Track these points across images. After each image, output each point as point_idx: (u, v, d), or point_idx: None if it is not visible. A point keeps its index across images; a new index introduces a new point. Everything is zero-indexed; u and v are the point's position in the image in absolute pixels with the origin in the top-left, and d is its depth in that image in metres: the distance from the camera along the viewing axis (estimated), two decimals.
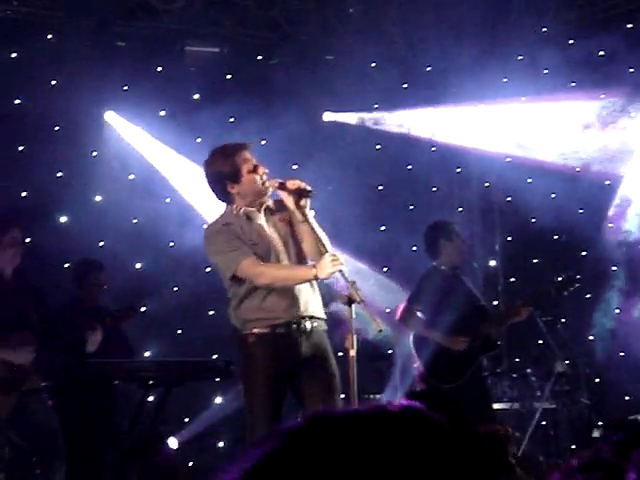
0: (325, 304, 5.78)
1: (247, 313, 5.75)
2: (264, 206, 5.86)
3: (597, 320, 10.12)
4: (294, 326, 5.71)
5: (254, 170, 5.75)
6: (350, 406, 5.17)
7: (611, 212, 10.25)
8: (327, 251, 5.55)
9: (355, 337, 5.22)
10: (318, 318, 5.79)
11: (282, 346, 5.69)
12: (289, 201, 5.65)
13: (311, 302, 5.77)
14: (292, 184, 5.63)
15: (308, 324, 5.73)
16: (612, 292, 10.14)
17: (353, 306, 5.21)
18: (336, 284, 5.83)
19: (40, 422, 7.02)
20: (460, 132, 10.56)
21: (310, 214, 5.66)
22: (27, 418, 6.93)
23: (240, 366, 5.90)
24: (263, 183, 5.77)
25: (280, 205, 5.80)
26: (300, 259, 5.83)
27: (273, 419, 5.64)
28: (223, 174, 5.77)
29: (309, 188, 5.61)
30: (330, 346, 5.84)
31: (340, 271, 5.42)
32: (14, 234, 7.15)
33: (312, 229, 5.64)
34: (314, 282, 5.79)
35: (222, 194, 5.86)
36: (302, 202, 5.60)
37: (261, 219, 5.85)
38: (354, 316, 5.23)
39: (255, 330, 5.72)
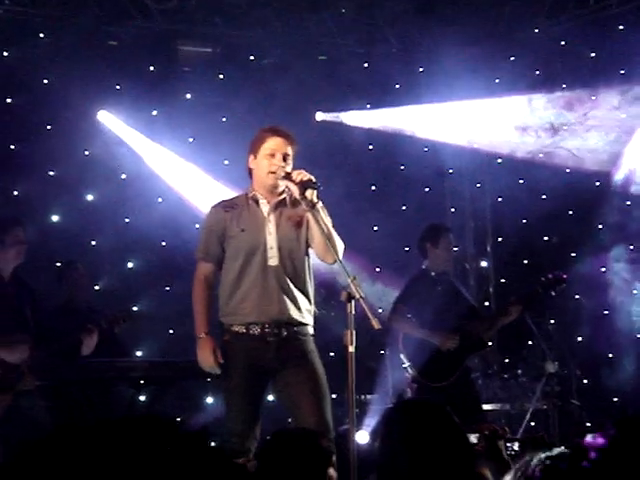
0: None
1: (225, 307, 5.81)
2: (277, 199, 5.88)
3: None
4: (267, 329, 5.72)
5: (270, 156, 5.80)
6: (348, 402, 5.21)
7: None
8: (337, 255, 5.60)
9: (354, 333, 5.23)
10: (298, 324, 5.81)
11: (256, 347, 5.70)
12: (295, 191, 5.68)
13: (291, 308, 5.75)
14: (297, 174, 5.65)
15: (284, 329, 5.74)
16: None
17: (352, 302, 5.21)
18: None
19: (33, 423, 7.02)
20: (451, 131, 10.57)
21: (318, 204, 5.65)
22: (20, 419, 6.94)
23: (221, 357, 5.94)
24: (270, 172, 5.82)
25: (297, 204, 5.82)
26: (294, 262, 5.82)
27: (246, 414, 5.67)
28: (251, 144, 5.92)
29: (313, 179, 5.62)
30: (314, 350, 5.84)
31: (341, 266, 5.45)
32: (17, 232, 7.20)
33: (317, 220, 5.65)
34: (304, 288, 5.82)
35: (248, 169, 5.97)
36: (307, 193, 5.62)
37: (266, 209, 5.86)
38: (353, 312, 5.23)
39: (232, 328, 5.76)
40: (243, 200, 5.93)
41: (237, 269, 5.77)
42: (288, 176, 5.70)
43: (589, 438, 3.24)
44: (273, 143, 5.82)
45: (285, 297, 5.73)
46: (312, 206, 5.61)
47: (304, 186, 5.61)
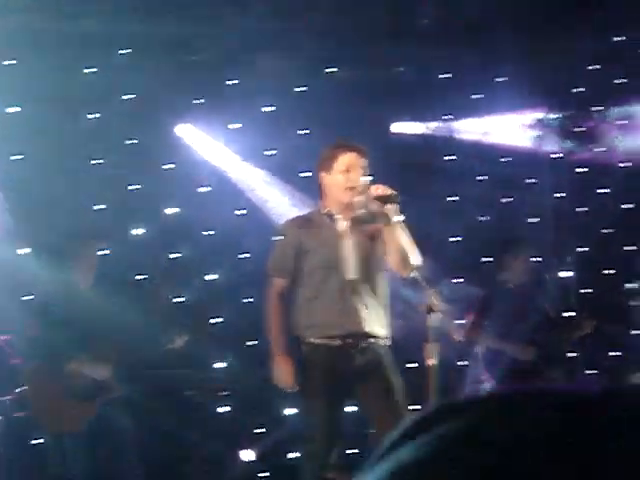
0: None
1: (304, 321, 5.82)
2: (352, 215, 5.87)
3: None
4: (349, 341, 5.72)
5: (345, 172, 5.77)
6: None
7: None
8: (413, 264, 5.59)
9: (436, 346, 5.22)
10: (375, 336, 5.79)
11: (336, 358, 5.72)
12: (374, 205, 5.66)
13: (370, 320, 5.77)
14: (376, 189, 5.63)
15: (363, 341, 5.74)
16: None
17: (432, 315, 5.21)
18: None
19: (118, 433, 7.09)
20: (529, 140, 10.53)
21: (396, 218, 5.64)
22: (105, 429, 7.01)
23: (298, 372, 5.95)
24: (348, 188, 5.79)
25: (373, 218, 5.81)
26: (372, 276, 5.82)
27: (328, 427, 5.67)
28: (322, 161, 5.91)
29: (394, 193, 5.60)
30: (391, 361, 5.83)
31: (421, 279, 5.45)
32: (91, 255, 7.32)
33: (394, 234, 5.63)
34: (381, 301, 5.82)
35: (319, 186, 5.95)
36: (387, 207, 5.60)
37: (343, 226, 5.87)
38: (435, 325, 5.23)
39: (310, 340, 5.77)
40: (317, 216, 5.94)
41: (315, 284, 5.79)
42: (366, 190, 5.70)
43: None
44: (347, 158, 5.81)
45: (364, 310, 5.74)
46: (390, 221, 5.60)
47: (384, 201, 5.60)
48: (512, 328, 7.90)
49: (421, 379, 5.59)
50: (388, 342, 5.87)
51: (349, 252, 5.82)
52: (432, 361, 5.23)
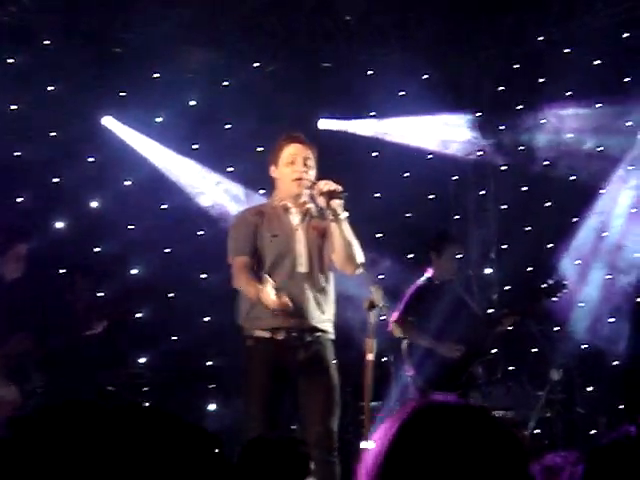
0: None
1: (249, 314, 5.80)
2: (304, 207, 5.90)
3: None
4: (294, 334, 5.73)
5: (291, 164, 5.81)
6: (365, 410, 5.22)
7: None
8: (358, 262, 5.62)
9: (374, 342, 5.24)
10: (321, 330, 5.81)
11: (279, 352, 5.71)
12: (320, 200, 5.67)
13: (316, 314, 5.79)
14: (323, 184, 5.65)
15: (308, 334, 5.75)
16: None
17: (375, 310, 5.23)
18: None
19: None
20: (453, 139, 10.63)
21: (342, 215, 5.65)
22: None
23: (240, 366, 5.93)
24: (295, 179, 5.82)
25: (322, 213, 5.82)
26: (320, 270, 5.84)
27: (267, 421, 5.65)
28: (271, 156, 5.94)
29: (340, 189, 5.62)
30: (333, 357, 5.85)
31: (364, 275, 5.47)
32: (19, 250, 7.22)
33: (341, 230, 5.65)
34: (327, 295, 5.83)
35: (271, 179, 5.99)
36: (333, 202, 5.61)
37: (296, 218, 5.90)
38: (375, 320, 5.25)
39: (255, 333, 5.76)
40: (270, 208, 5.95)
41: (265, 274, 5.76)
42: (313, 185, 5.71)
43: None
44: (292, 149, 5.85)
45: (311, 303, 5.77)
46: (336, 217, 5.61)
47: (330, 196, 5.61)
48: (440, 324, 7.95)
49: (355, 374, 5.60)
50: (332, 336, 5.90)
51: (301, 245, 5.84)
52: (370, 356, 5.25)
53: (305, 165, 5.83)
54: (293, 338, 5.73)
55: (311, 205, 5.90)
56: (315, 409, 5.70)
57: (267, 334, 5.74)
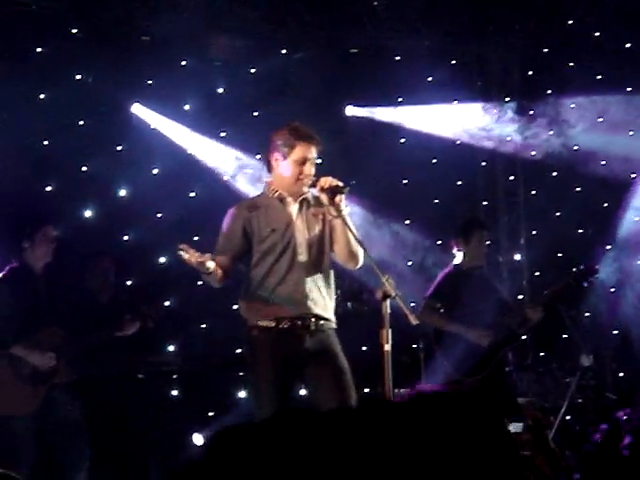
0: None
1: (253, 305, 5.81)
2: (301, 197, 5.89)
3: None
4: (299, 322, 5.73)
5: (301, 163, 5.77)
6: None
7: None
8: (360, 257, 5.64)
9: (390, 332, 5.24)
10: (324, 318, 5.81)
11: (285, 341, 5.72)
12: (323, 197, 5.67)
13: (319, 302, 5.80)
14: (325, 181, 5.64)
15: (313, 322, 5.75)
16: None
17: (387, 301, 5.23)
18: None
19: (66, 417, 7.05)
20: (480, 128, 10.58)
21: (345, 211, 5.68)
22: (54, 412, 6.97)
23: (246, 358, 5.92)
24: (298, 179, 5.79)
25: (319, 201, 5.81)
26: (320, 258, 5.84)
27: (276, 405, 5.65)
28: (278, 144, 5.84)
29: (342, 184, 5.61)
30: (338, 344, 5.85)
31: (375, 266, 5.46)
32: (46, 231, 7.21)
33: (345, 226, 5.65)
34: (328, 283, 5.83)
35: (269, 163, 5.94)
36: (337, 198, 5.61)
37: (293, 208, 5.89)
38: (389, 311, 5.25)
39: (260, 323, 5.75)
40: (266, 199, 5.93)
41: (267, 266, 5.78)
42: (315, 183, 5.71)
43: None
44: (306, 150, 5.81)
45: (313, 292, 5.79)
46: (339, 212, 5.61)
47: (333, 192, 5.61)
48: (469, 311, 7.92)
49: (375, 363, 5.58)
50: (334, 324, 5.90)
51: (299, 234, 5.84)
52: (387, 347, 5.25)
53: (313, 166, 5.83)
54: (298, 326, 5.74)
55: (308, 194, 5.89)
56: (329, 396, 5.69)
57: (272, 323, 5.74)
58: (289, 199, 5.89)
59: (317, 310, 5.77)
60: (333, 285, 5.95)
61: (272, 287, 5.74)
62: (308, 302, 5.75)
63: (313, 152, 5.82)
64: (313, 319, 5.76)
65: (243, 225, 5.85)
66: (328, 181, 5.64)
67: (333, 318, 5.90)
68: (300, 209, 5.90)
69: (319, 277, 5.83)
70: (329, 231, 5.84)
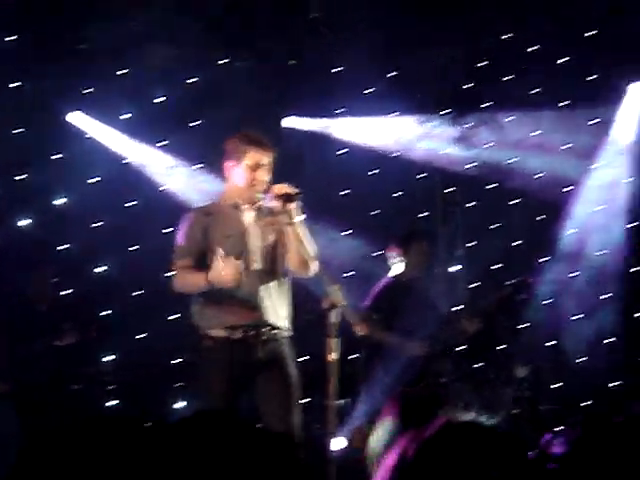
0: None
1: (206, 310, 5.78)
2: (257, 204, 5.88)
3: None
4: (251, 332, 5.72)
5: (253, 169, 5.77)
6: (328, 409, 5.22)
7: None
8: (311, 265, 5.67)
9: (337, 341, 5.25)
10: (278, 327, 5.80)
11: (238, 350, 5.70)
12: (276, 204, 5.67)
13: (272, 310, 5.79)
14: (279, 188, 5.64)
15: (265, 332, 5.74)
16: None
17: (335, 310, 5.24)
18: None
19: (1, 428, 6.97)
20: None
21: (298, 218, 5.69)
22: None
23: (196, 366, 5.91)
24: (251, 185, 5.78)
25: (273, 210, 5.81)
26: (275, 266, 5.83)
27: None
28: (230, 151, 5.86)
29: (295, 191, 5.62)
30: (291, 354, 5.85)
31: (323, 275, 5.47)
32: None
33: (297, 234, 5.66)
34: (283, 291, 5.82)
35: (223, 171, 5.94)
36: (290, 206, 5.63)
37: (248, 215, 5.87)
38: (336, 320, 5.26)
39: (212, 333, 5.73)
40: (219, 207, 5.92)
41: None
42: (268, 190, 5.71)
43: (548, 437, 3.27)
44: (258, 156, 5.81)
45: (267, 301, 5.77)
46: (291, 219, 5.62)
47: (286, 199, 5.62)
48: (406, 322, 7.95)
49: (320, 372, 5.58)
50: (289, 333, 5.90)
51: (254, 242, 5.83)
52: (333, 356, 5.26)
53: (266, 173, 5.83)
54: (250, 336, 5.73)
55: (262, 201, 5.89)
56: (274, 407, 5.70)
57: (223, 333, 5.72)
58: (244, 206, 5.88)
59: (270, 318, 5.77)
60: (289, 293, 5.94)
61: (224, 295, 5.71)
62: (261, 310, 5.74)
63: (266, 158, 5.82)
64: (265, 329, 5.76)
65: (202, 229, 5.82)
66: (282, 188, 5.65)
67: (288, 326, 5.89)
68: (255, 217, 5.89)
69: (273, 285, 5.83)
70: (284, 239, 5.84)
